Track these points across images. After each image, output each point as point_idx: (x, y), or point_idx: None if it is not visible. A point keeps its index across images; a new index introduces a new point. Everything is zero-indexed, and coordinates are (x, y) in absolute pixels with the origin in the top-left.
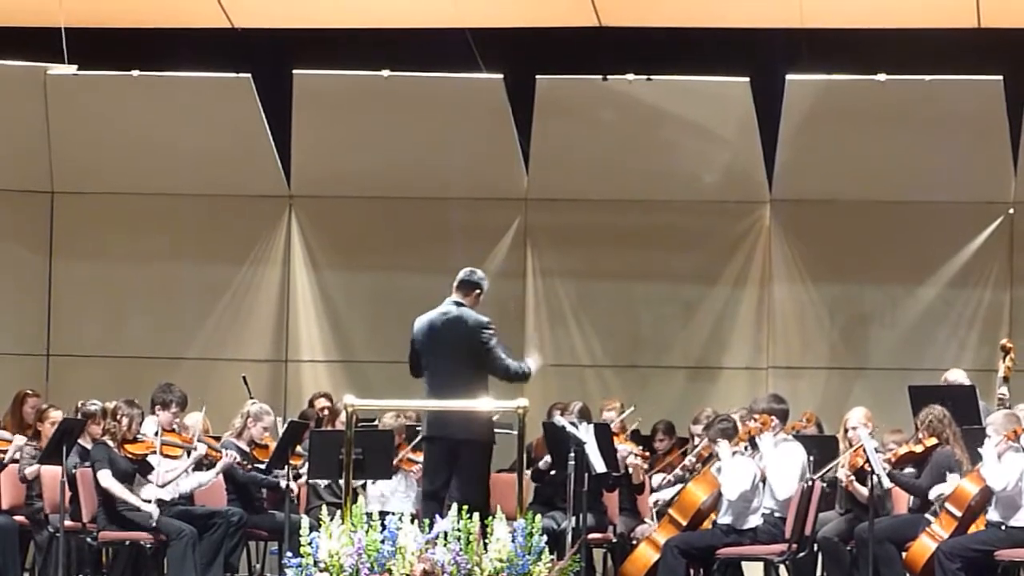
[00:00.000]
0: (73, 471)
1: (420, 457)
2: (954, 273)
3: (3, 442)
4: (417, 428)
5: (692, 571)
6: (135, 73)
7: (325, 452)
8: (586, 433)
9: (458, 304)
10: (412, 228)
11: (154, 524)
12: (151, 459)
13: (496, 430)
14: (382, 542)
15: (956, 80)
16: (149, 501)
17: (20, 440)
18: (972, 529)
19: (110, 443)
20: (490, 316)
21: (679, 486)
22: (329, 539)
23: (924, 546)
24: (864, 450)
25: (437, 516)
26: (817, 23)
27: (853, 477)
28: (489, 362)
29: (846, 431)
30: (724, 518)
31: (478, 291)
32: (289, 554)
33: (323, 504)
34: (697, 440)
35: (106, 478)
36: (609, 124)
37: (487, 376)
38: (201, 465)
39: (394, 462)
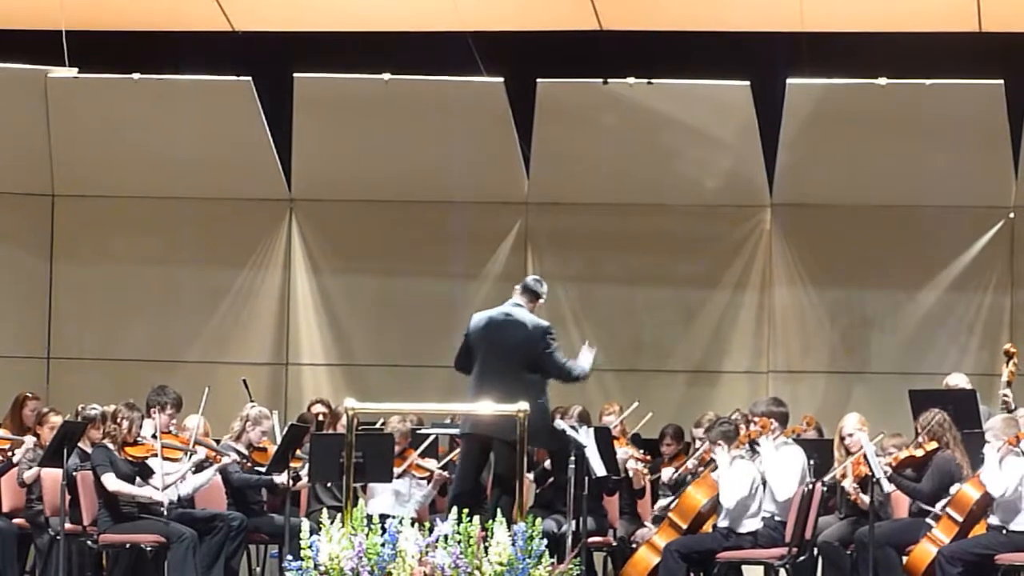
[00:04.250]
0: (73, 474)
1: (427, 463)
2: (955, 277)
3: (3, 440)
4: (420, 431)
5: (692, 575)
6: (136, 76)
7: (326, 456)
8: (586, 437)
9: (518, 306)
10: (413, 232)
11: (165, 511)
12: (151, 462)
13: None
14: (382, 545)
15: (957, 84)
16: (159, 489)
17: (30, 442)
18: (973, 533)
19: (110, 446)
20: None
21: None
22: (329, 542)
23: (925, 551)
24: (865, 455)
25: (437, 519)
26: (818, 27)
27: (859, 488)
28: (549, 366)
29: (842, 438)
30: (724, 521)
31: (541, 300)
32: (289, 557)
33: (323, 507)
34: (698, 444)
35: (111, 481)
36: (610, 128)
37: (538, 379)
38: (201, 467)
39: (403, 466)
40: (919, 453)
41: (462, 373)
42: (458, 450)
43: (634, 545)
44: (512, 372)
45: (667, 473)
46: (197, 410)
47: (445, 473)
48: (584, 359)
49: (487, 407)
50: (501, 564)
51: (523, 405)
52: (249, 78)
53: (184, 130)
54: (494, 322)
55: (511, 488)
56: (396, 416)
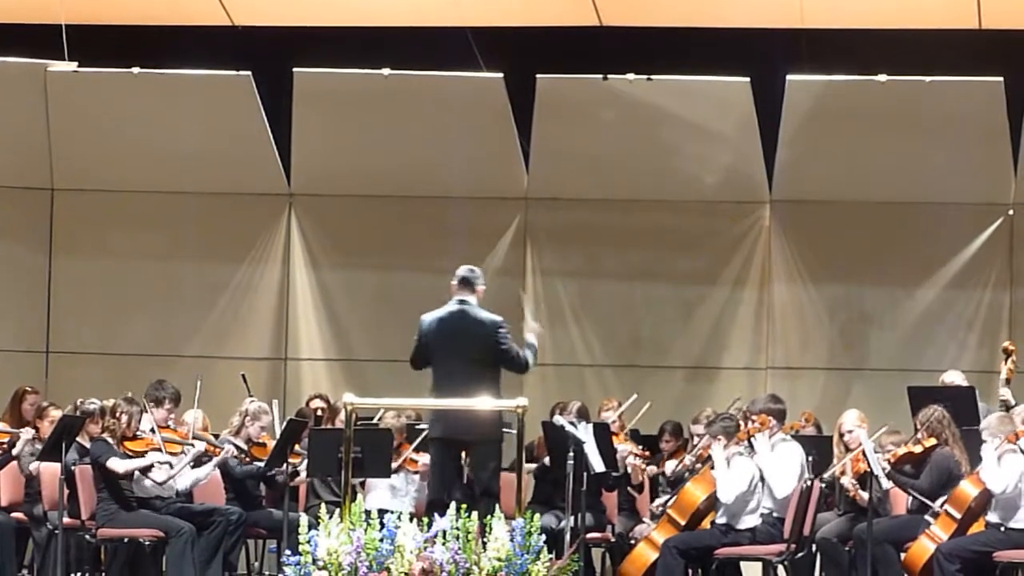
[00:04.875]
0: (72, 468)
1: (422, 457)
2: (954, 274)
3: (1, 434)
4: (417, 427)
5: (690, 571)
6: (135, 70)
7: (324, 450)
8: (585, 433)
9: (466, 303)
10: (412, 227)
11: (161, 481)
12: (151, 456)
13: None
14: (381, 540)
15: (956, 81)
16: (162, 484)
17: (28, 433)
18: (972, 530)
19: (110, 440)
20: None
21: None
22: (328, 537)
23: (923, 547)
24: (863, 451)
25: (436, 515)
26: (817, 23)
27: (858, 485)
28: (507, 360)
29: (841, 435)
30: (722, 518)
31: (481, 288)
32: (288, 552)
33: (322, 502)
34: (696, 440)
35: (118, 463)
36: (609, 124)
37: (499, 374)
38: (199, 461)
39: (398, 461)
40: (918, 449)
41: (418, 370)
42: None
43: (632, 541)
44: (478, 369)
45: (671, 466)
46: (192, 402)
47: None
48: (530, 336)
49: (486, 403)
50: (499, 560)
51: (522, 400)
52: (249, 73)
53: (183, 125)
54: (448, 321)
55: (495, 492)
56: (391, 412)
